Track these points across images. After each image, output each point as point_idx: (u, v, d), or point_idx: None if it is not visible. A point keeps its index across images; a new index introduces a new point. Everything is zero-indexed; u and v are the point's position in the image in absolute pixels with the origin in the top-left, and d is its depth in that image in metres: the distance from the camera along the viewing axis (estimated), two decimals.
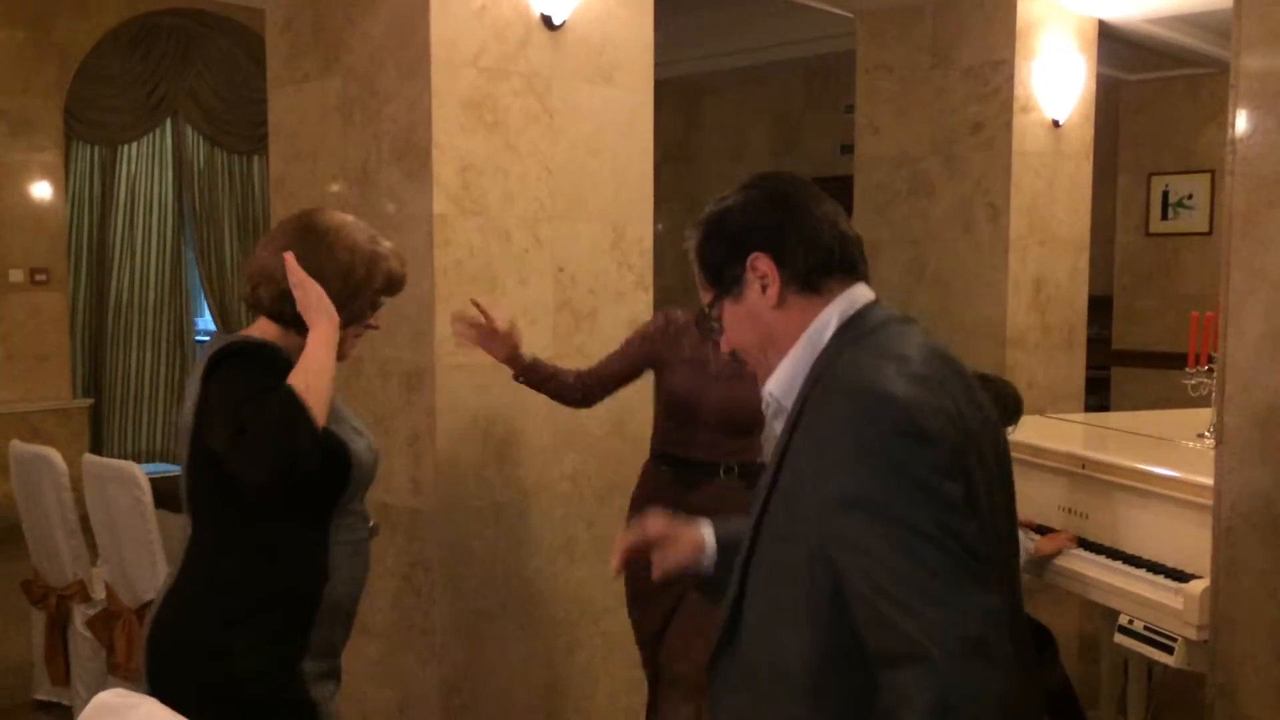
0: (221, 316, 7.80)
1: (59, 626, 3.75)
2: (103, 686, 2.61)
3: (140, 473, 3.34)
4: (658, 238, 3.61)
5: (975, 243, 5.22)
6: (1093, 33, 5.48)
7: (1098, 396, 6.95)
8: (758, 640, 1.37)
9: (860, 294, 1.38)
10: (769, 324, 1.39)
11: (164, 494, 3.66)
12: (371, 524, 2.04)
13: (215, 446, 1.80)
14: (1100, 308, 6.84)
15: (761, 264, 1.37)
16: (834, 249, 1.36)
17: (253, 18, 6.69)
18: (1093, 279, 5.74)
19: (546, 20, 3.16)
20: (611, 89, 3.38)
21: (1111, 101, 7.08)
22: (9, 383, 6.51)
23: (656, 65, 3.54)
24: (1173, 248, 7.56)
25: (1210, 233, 7.33)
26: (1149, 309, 7.59)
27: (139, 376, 7.57)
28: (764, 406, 1.42)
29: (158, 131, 7.49)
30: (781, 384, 1.39)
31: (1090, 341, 5.79)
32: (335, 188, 3.29)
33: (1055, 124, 5.28)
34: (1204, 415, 3.46)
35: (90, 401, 7.11)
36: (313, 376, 1.79)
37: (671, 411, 2.66)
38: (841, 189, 5.71)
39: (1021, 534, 3.11)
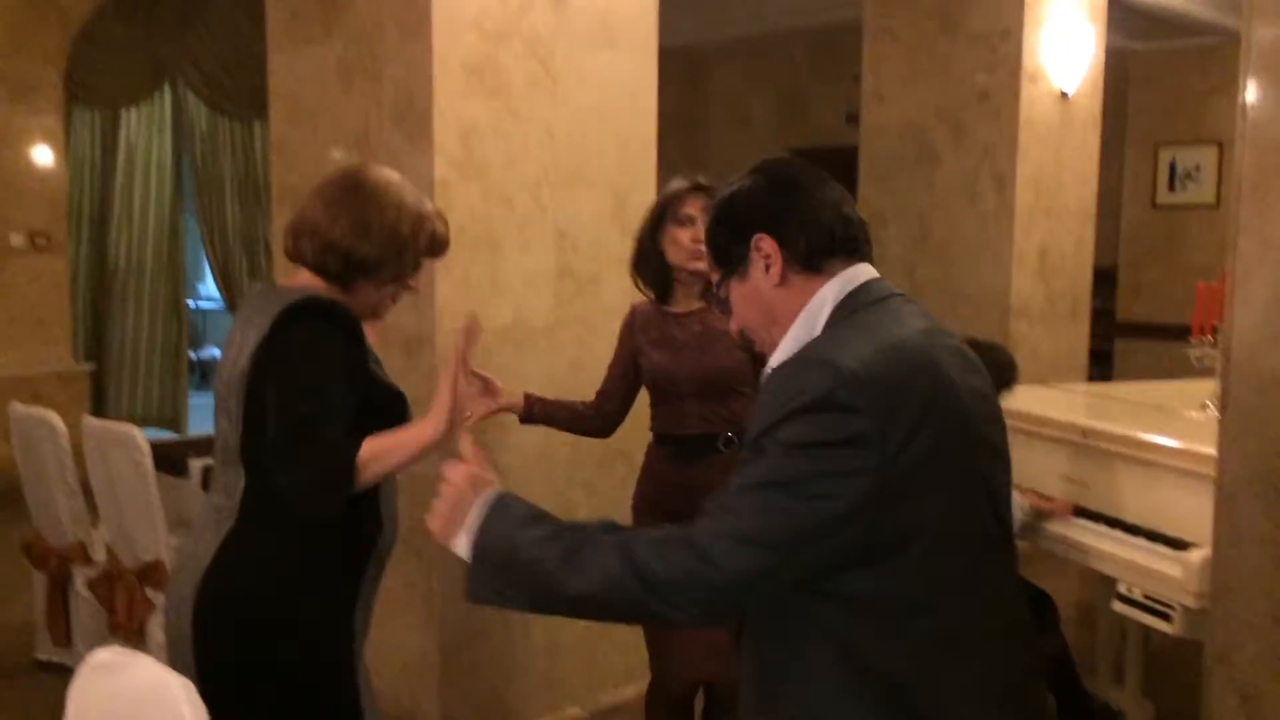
0: (224, 281, 7.79)
1: (60, 588, 3.77)
2: (104, 646, 2.62)
3: (140, 435, 3.34)
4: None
5: (980, 212, 5.18)
6: (1102, 1, 5.42)
7: (1101, 369, 6.94)
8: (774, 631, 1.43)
9: (859, 272, 1.43)
10: (771, 302, 1.44)
11: (163, 458, 3.67)
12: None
13: (268, 428, 1.78)
14: (1105, 279, 6.81)
15: (765, 244, 1.43)
16: (835, 230, 1.43)
17: None
18: (1098, 251, 5.71)
19: None
20: (615, 54, 3.35)
21: (1120, 71, 7.01)
22: (9, 346, 6.51)
23: (661, 33, 3.50)
24: (1179, 219, 7.52)
25: (1217, 205, 7.28)
26: (1154, 281, 7.56)
27: (138, 342, 7.56)
28: (763, 381, 1.45)
29: (158, 96, 7.44)
30: (781, 359, 1.44)
31: (1094, 313, 5.77)
32: (336, 154, 3.27)
33: (1063, 94, 5.23)
34: (1207, 386, 3.45)
35: (91, 366, 7.11)
36: (389, 455, 1.76)
37: (655, 392, 2.68)
38: (846, 159, 5.68)
39: (1016, 494, 3.11)
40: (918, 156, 5.38)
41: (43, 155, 6.68)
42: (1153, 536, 2.85)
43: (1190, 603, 2.58)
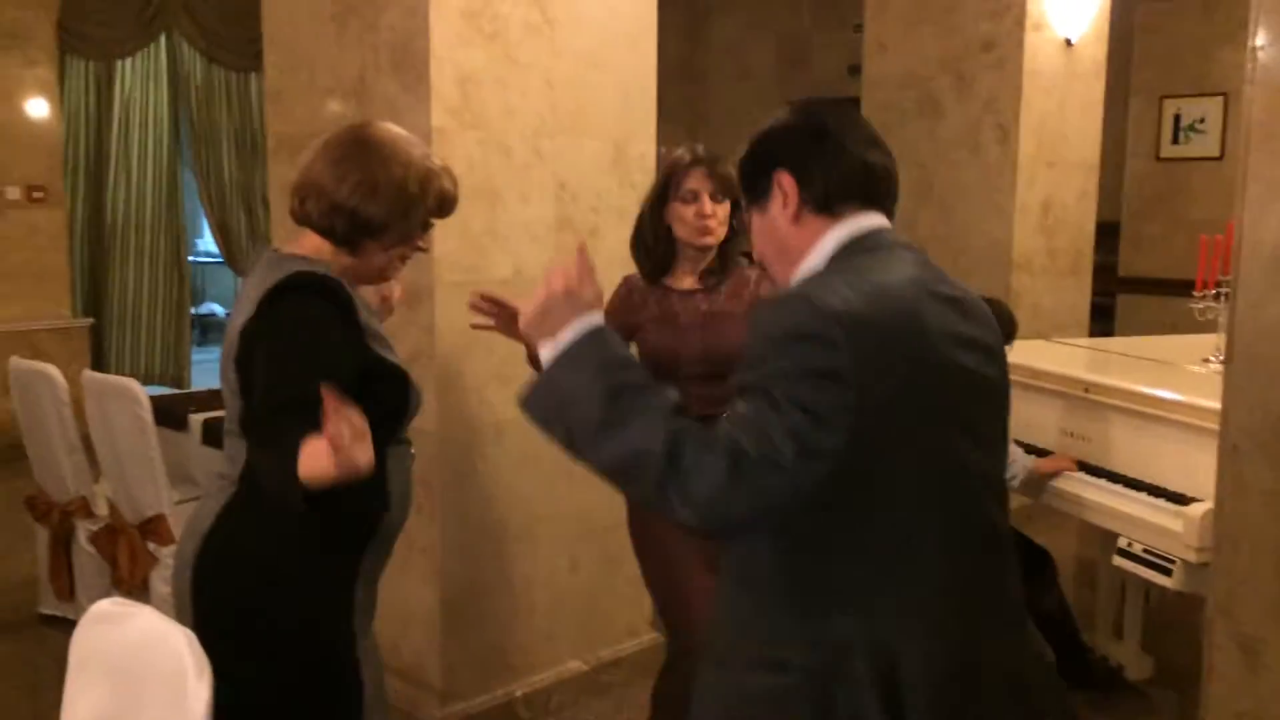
0: (222, 235, 7.74)
1: (62, 542, 3.79)
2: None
3: (140, 389, 3.33)
4: (660, 158, 3.55)
5: (983, 164, 5.14)
6: None
7: (1103, 323, 6.91)
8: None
9: (869, 220, 1.47)
10: (785, 237, 1.49)
11: (164, 412, 3.67)
12: (412, 450, 2.02)
13: (253, 406, 1.75)
14: (1108, 234, 6.76)
15: (785, 180, 1.47)
16: (854, 178, 1.46)
17: None
18: (1101, 204, 5.66)
19: None
20: (616, 2, 3.30)
21: (1125, 21, 6.92)
22: (8, 301, 6.48)
23: None
24: (1183, 173, 7.45)
25: (1221, 158, 7.21)
26: (1157, 235, 7.51)
27: (137, 296, 7.53)
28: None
29: (153, 47, 7.35)
30: None
31: (1096, 267, 5.73)
32: (332, 103, 3.23)
33: (1068, 42, 5.17)
34: (1209, 340, 3.44)
35: (90, 321, 7.09)
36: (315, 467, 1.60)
37: (655, 373, 2.56)
38: None
39: (1019, 452, 3.11)
40: (920, 107, 5.32)
41: (37, 107, 6.61)
42: (1154, 491, 2.85)
43: (1191, 557, 2.58)
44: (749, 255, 2.26)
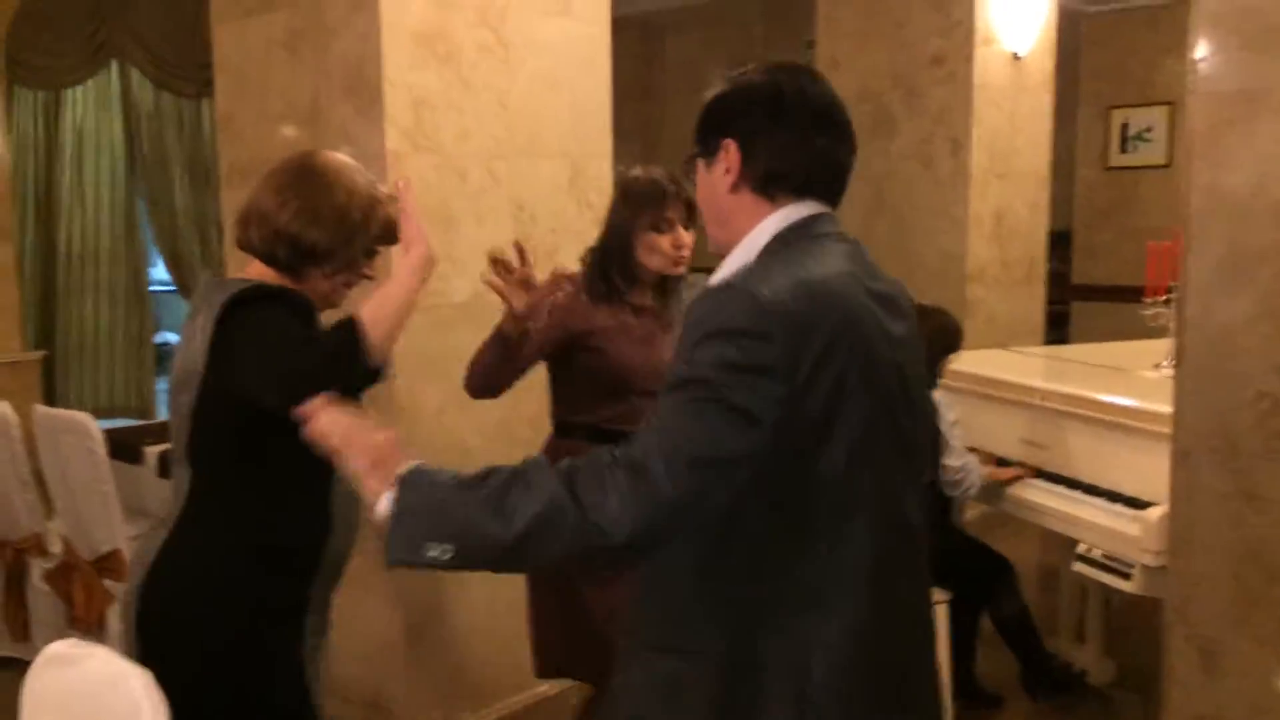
0: (174, 264, 7.64)
1: (16, 581, 3.70)
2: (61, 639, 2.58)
3: (93, 423, 3.28)
4: (617, 177, 3.56)
5: (935, 177, 5.20)
6: None
7: (1057, 331, 7.00)
8: None
9: (806, 209, 1.44)
10: (720, 203, 1.47)
11: (118, 445, 3.61)
12: None
13: (250, 391, 1.73)
14: (1060, 242, 6.87)
15: (730, 150, 1.44)
16: (797, 167, 1.43)
17: None
18: (1052, 214, 5.75)
19: None
20: (569, 21, 3.31)
21: (1072, 34, 7.04)
22: None
23: (615, 3, 3.46)
24: (1132, 181, 7.58)
25: (1169, 165, 7.35)
26: (1108, 243, 7.63)
27: (94, 329, 7.40)
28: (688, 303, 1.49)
29: (103, 75, 7.26)
30: (716, 281, 1.46)
31: (1050, 276, 5.82)
32: (286, 129, 3.20)
33: (1016, 56, 5.25)
34: (1161, 345, 3.49)
35: (42, 354, 6.96)
36: (391, 305, 1.74)
37: (606, 385, 2.42)
38: None
39: (974, 460, 3.14)
40: (873, 123, 5.37)
41: None
42: (1111, 496, 2.88)
43: (1149, 560, 2.61)
44: None
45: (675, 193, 2.43)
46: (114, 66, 7.24)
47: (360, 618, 3.14)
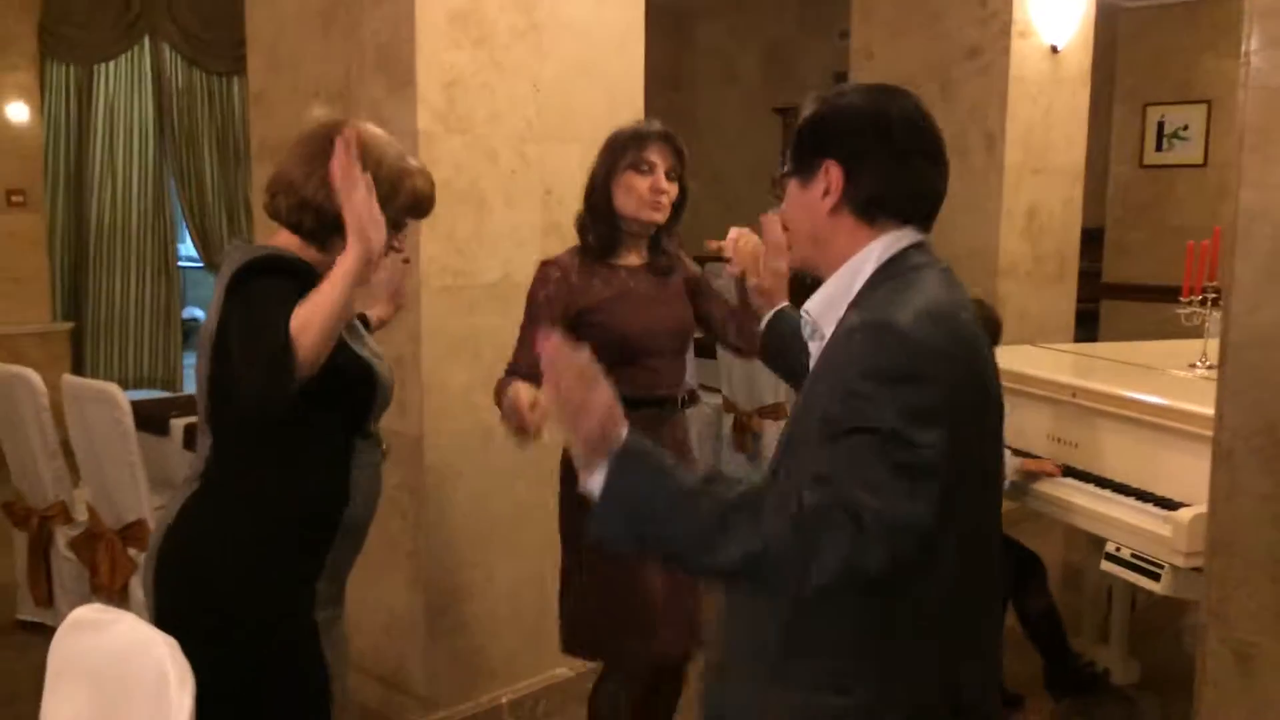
0: (202, 240, 7.68)
1: (41, 548, 3.74)
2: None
3: (120, 393, 3.29)
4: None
5: (969, 171, 5.15)
6: None
7: (1087, 329, 6.94)
8: None
9: (906, 236, 1.43)
10: (818, 226, 1.45)
11: (145, 417, 3.63)
12: (384, 447, 2.02)
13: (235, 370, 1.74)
14: (1092, 240, 6.80)
15: (833, 172, 1.42)
16: (902, 195, 1.42)
17: None
18: (1085, 211, 5.69)
19: None
20: (602, 5, 3.28)
21: (1109, 29, 6.96)
22: None
23: None
24: (1167, 179, 7.49)
25: (1205, 165, 7.26)
26: (1141, 241, 7.55)
27: (122, 301, 7.47)
28: (801, 326, 1.50)
29: (135, 51, 7.29)
30: (818, 306, 1.46)
31: (1081, 274, 5.76)
32: (316, 107, 3.20)
33: (1053, 49, 5.18)
34: (1195, 345, 3.45)
35: (70, 325, 7.02)
36: (319, 311, 1.66)
37: (620, 351, 2.33)
38: None
39: (1008, 453, 3.11)
40: None
41: (16, 111, 6.55)
42: (1141, 496, 2.85)
43: (1179, 561, 2.58)
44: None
45: (662, 137, 2.38)
46: (146, 43, 7.28)
47: (382, 597, 3.14)
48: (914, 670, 1.34)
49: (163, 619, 1.80)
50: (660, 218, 2.40)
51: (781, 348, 1.92)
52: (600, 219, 2.41)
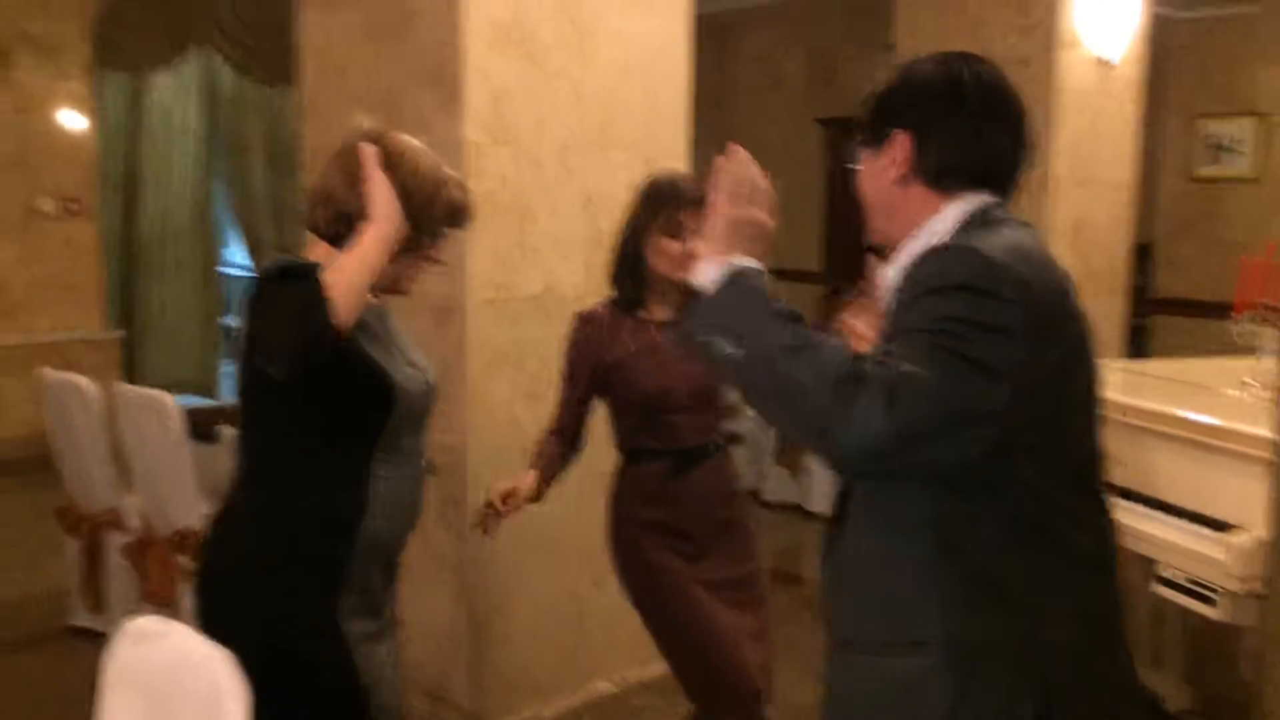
0: (252, 247, 7.79)
1: (93, 554, 3.80)
2: (137, 613, 2.63)
3: (171, 401, 3.35)
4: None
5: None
6: None
7: (1137, 345, 6.84)
8: (871, 518, 1.40)
9: (980, 198, 1.41)
10: (888, 195, 1.45)
11: (194, 425, 3.67)
12: (425, 461, 1.98)
13: (260, 368, 1.74)
14: (1141, 254, 6.70)
15: (902, 142, 1.42)
16: (975, 162, 1.40)
17: None
18: (1135, 224, 5.61)
19: None
20: (647, 14, 3.30)
21: (1161, 41, 6.87)
22: (41, 312, 6.54)
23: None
24: (1218, 193, 7.37)
25: (1256, 179, 7.14)
26: (1191, 256, 7.43)
27: (171, 308, 7.59)
28: (890, 275, 1.45)
29: (187, 60, 7.42)
30: (897, 272, 1.43)
31: (1131, 289, 5.67)
32: (365, 117, 3.23)
33: (1102, 61, 5.12)
34: (1245, 363, 3.39)
35: (122, 333, 7.14)
36: (348, 266, 1.70)
37: (640, 408, 2.39)
38: None
39: None
40: None
41: (72, 119, 6.67)
42: (1194, 518, 2.80)
43: (1235, 587, 2.53)
44: None
45: (696, 199, 2.31)
46: (197, 52, 7.40)
47: (426, 608, 3.16)
48: (985, 637, 1.31)
49: (204, 618, 1.84)
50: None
51: None
52: (627, 272, 2.42)
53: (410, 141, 1.91)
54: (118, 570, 3.71)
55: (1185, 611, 3.15)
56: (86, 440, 3.67)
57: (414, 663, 3.20)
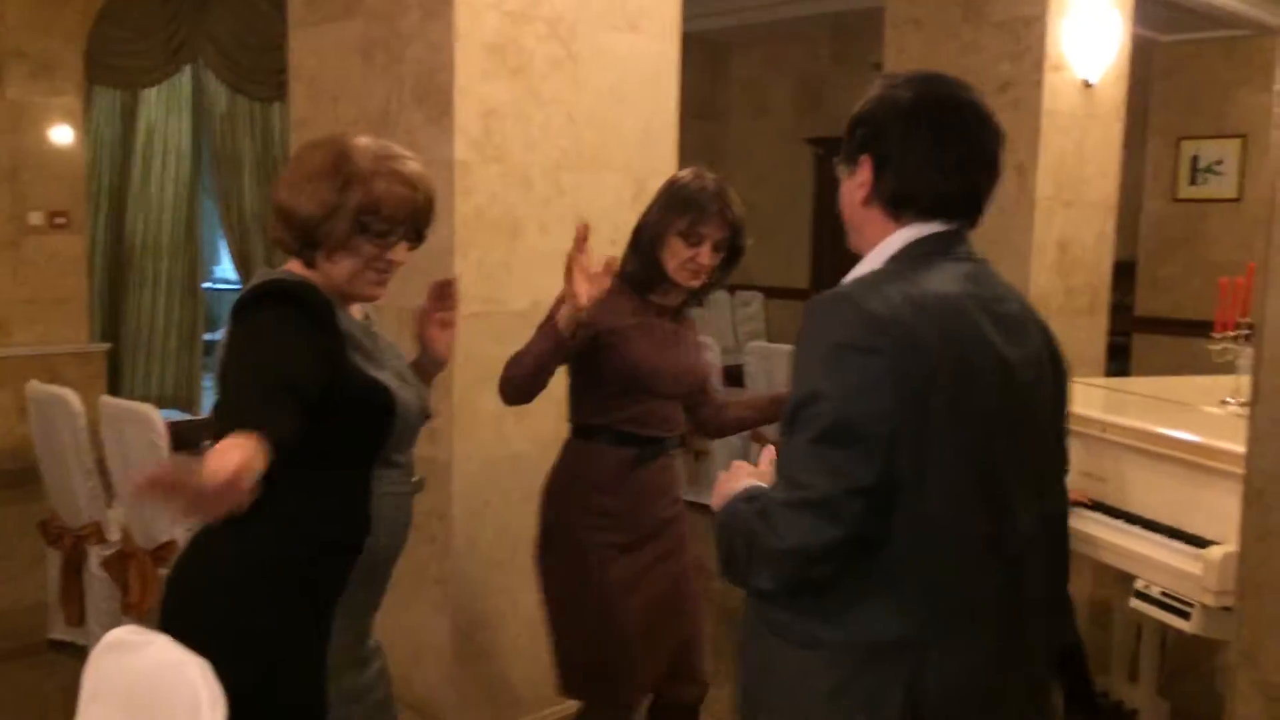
0: (242, 263, 7.80)
1: (74, 567, 3.78)
2: (117, 626, 2.62)
3: (156, 415, 3.35)
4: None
5: (1000, 203, 5.08)
6: None
7: (1118, 363, 6.89)
8: None
9: (928, 229, 1.45)
10: (854, 212, 1.52)
11: (178, 437, 3.67)
12: (416, 478, 1.94)
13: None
14: (1124, 274, 6.76)
15: (865, 165, 1.47)
16: (926, 192, 1.44)
17: None
18: (1117, 244, 5.66)
19: None
20: (637, 36, 3.33)
21: (1143, 63, 6.95)
22: (28, 325, 6.53)
23: (683, 19, 3.47)
24: (1200, 214, 7.45)
25: (1239, 199, 7.21)
26: (1174, 275, 7.50)
27: (155, 322, 7.58)
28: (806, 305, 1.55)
29: (179, 77, 7.44)
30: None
31: (1112, 307, 5.72)
32: (356, 134, 3.25)
33: (1086, 84, 5.18)
34: (1226, 382, 3.42)
35: (108, 346, 7.13)
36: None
37: (623, 385, 2.36)
38: None
39: None
40: None
41: (62, 134, 6.68)
42: (1171, 533, 2.82)
43: (1210, 601, 2.55)
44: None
45: (717, 211, 2.36)
46: (188, 70, 7.42)
47: (411, 624, 3.16)
48: (875, 639, 1.38)
49: (169, 627, 1.73)
50: (695, 284, 2.41)
51: None
52: (642, 260, 2.42)
53: (361, 139, 1.79)
54: (98, 583, 3.70)
55: (1162, 626, 3.17)
56: (71, 453, 3.66)
57: (397, 677, 3.18)
